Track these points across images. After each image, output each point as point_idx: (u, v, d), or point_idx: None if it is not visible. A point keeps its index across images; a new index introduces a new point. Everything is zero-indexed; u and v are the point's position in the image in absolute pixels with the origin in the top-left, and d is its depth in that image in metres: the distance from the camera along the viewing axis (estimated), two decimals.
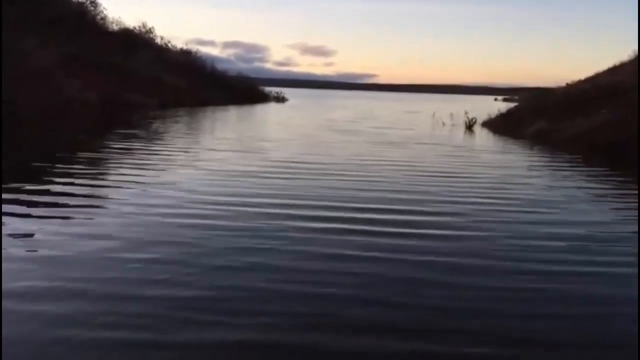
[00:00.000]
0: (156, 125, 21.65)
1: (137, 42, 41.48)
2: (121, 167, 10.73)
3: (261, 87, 62.05)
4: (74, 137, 16.86)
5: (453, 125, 28.48)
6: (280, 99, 62.61)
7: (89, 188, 8.47)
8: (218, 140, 16.94)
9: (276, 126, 25.01)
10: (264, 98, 59.47)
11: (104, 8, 41.64)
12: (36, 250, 5.35)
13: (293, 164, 11.90)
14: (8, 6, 29.83)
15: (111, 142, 14.63)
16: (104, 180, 9.48)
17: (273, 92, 63.40)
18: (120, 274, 4.81)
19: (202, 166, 11.17)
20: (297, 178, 10.14)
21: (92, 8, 39.17)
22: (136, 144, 14.46)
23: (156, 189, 8.61)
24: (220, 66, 54.17)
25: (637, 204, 9.06)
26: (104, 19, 40.38)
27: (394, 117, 36.71)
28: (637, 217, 7.93)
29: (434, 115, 35.31)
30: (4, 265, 4.84)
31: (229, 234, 6.16)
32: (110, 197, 7.93)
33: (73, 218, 6.60)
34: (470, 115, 27.84)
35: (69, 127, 20.44)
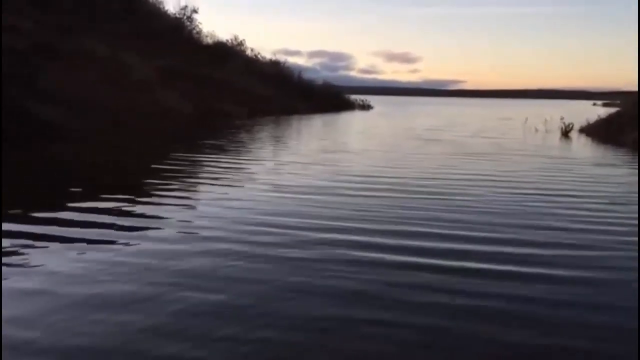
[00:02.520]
0: (241, 135, 21.58)
1: (229, 54, 42.34)
2: (195, 179, 10.47)
3: (346, 95, 61.62)
4: (165, 146, 17.01)
5: (547, 132, 26.31)
6: (365, 107, 61.83)
7: (162, 198, 8.01)
8: (296, 151, 16.15)
9: (358, 135, 23.95)
10: (349, 106, 58.97)
11: (199, 22, 42.77)
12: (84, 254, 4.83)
13: (369, 179, 10.76)
14: (112, 22, 31.32)
15: (193, 154, 14.42)
16: (172, 193, 8.85)
17: (358, 100, 62.78)
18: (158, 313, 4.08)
19: (272, 181, 10.23)
20: (371, 196, 8.96)
21: (188, 23, 40.44)
22: (216, 155, 14.14)
23: (216, 207, 7.83)
24: (306, 75, 54.37)
25: None
26: (199, 33, 41.56)
27: (482, 125, 34.25)
28: None
29: (526, 121, 33.00)
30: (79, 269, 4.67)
31: (287, 263, 5.36)
32: (166, 215, 7.21)
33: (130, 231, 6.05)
34: (567, 121, 25.56)
35: (164, 137, 20.88)
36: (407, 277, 5.06)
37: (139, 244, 5.94)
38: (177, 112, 30.14)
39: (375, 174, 11.42)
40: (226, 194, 8.95)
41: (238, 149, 16.13)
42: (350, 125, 32.52)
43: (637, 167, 13.88)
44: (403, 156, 15.11)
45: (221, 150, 15.53)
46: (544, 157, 15.80)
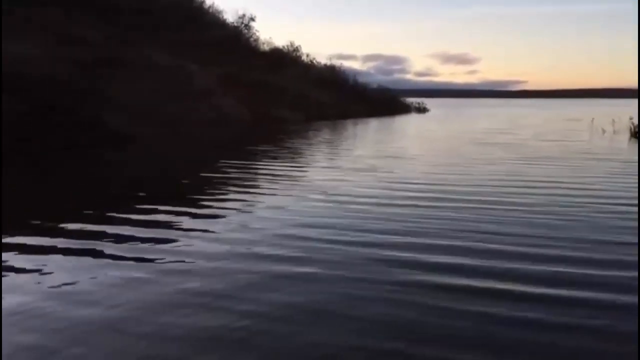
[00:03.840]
0: (296, 140, 21.61)
1: (285, 60, 42.84)
2: (247, 188, 10.25)
3: (402, 98, 61.07)
4: (222, 153, 17.16)
5: (615, 133, 24.99)
6: (422, 110, 61.02)
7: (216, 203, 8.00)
8: (348, 156, 15.73)
9: (413, 139, 23.28)
10: (405, 109, 58.38)
11: (256, 30, 43.65)
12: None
13: (423, 186, 10.19)
14: (174, 33, 32.33)
15: (247, 161, 14.53)
16: (221, 204, 8.73)
17: (414, 103, 62.08)
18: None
19: (322, 189, 9.87)
20: (425, 206, 8.33)
21: (245, 31, 41.23)
22: (269, 162, 14.11)
23: (263, 218, 7.51)
24: (361, 79, 54.32)
25: None
26: (256, 40, 42.32)
27: (545, 126, 32.65)
28: None
29: (592, 122, 31.51)
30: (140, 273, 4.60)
31: (327, 283, 4.94)
32: (211, 226, 7.03)
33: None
34: (635, 121, 24.10)
35: (221, 143, 21.28)
36: (458, 303, 4.53)
37: (181, 259, 5.73)
38: (235, 119, 30.75)
39: (429, 181, 10.87)
40: (275, 204, 8.61)
41: (292, 155, 16.07)
42: (405, 129, 31.97)
43: None
44: (460, 162, 14.36)
45: (275, 157, 15.50)
46: (614, 160, 14.76)
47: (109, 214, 7.75)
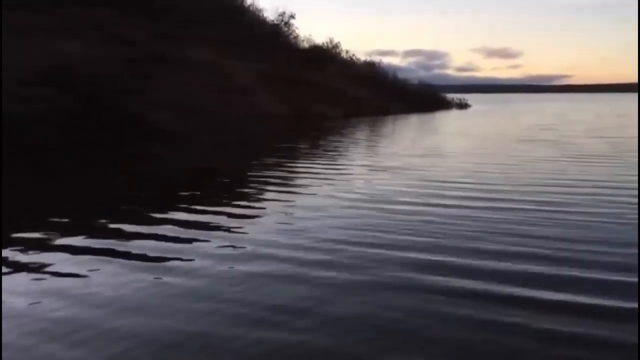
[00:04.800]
0: (334, 137, 21.57)
1: (324, 57, 42.90)
2: (282, 187, 10.16)
3: (442, 94, 60.26)
4: (260, 150, 17.31)
5: None
6: (463, 106, 60.04)
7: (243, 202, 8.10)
8: (386, 154, 15.47)
9: (452, 136, 22.69)
10: (446, 105, 57.58)
11: (296, 27, 43.85)
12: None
13: (461, 186, 9.66)
14: (216, 31, 32.86)
15: (285, 159, 14.57)
16: (251, 202, 8.78)
17: (455, 99, 61.15)
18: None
19: (358, 189, 9.63)
20: (461, 206, 7.82)
21: (285, 28, 41.48)
22: (306, 160, 14.05)
23: (296, 220, 7.30)
24: (400, 75, 53.93)
25: None
26: (295, 37, 42.53)
27: (595, 122, 31.18)
28: None
29: None
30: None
31: (360, 292, 4.65)
32: (242, 228, 6.84)
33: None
34: None
35: (261, 140, 21.53)
36: (504, 315, 4.20)
37: (209, 263, 5.55)
38: (275, 115, 31.04)
39: (468, 181, 10.34)
40: (309, 204, 8.39)
41: (328, 153, 15.94)
42: (446, 126, 31.45)
43: None
44: (501, 160, 13.75)
45: (311, 154, 15.43)
46: None
47: (145, 214, 7.80)
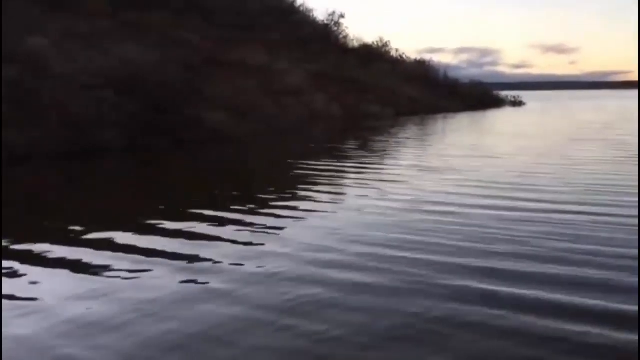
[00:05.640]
0: (384, 137, 21.53)
1: (374, 56, 42.84)
2: (326, 189, 10.20)
3: (495, 92, 58.86)
4: (309, 150, 17.47)
5: None
6: (517, 103, 58.47)
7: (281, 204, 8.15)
8: (434, 155, 15.21)
9: (503, 136, 21.89)
10: (499, 103, 56.21)
11: (345, 27, 44.05)
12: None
13: (508, 190, 9.15)
14: (267, 32, 33.45)
15: (334, 159, 14.57)
16: (298, 203, 8.78)
17: (509, 97, 59.61)
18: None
19: (402, 191, 9.32)
20: (516, 220, 7.16)
21: (335, 28, 41.70)
22: (356, 161, 13.95)
23: (338, 223, 7.13)
24: (452, 73, 53.20)
25: None
26: (345, 37, 42.67)
27: None
28: None
29: None
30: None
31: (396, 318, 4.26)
32: (283, 231, 6.87)
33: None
34: None
35: (311, 140, 21.75)
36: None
37: (251, 266, 5.70)
38: (326, 115, 31.32)
39: (519, 182, 9.94)
40: (351, 206, 8.31)
41: (376, 153, 15.86)
42: (498, 125, 30.66)
43: None
44: (555, 160, 13.13)
45: (360, 155, 15.32)
46: None
47: (191, 214, 7.94)
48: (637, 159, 13.12)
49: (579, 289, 4.79)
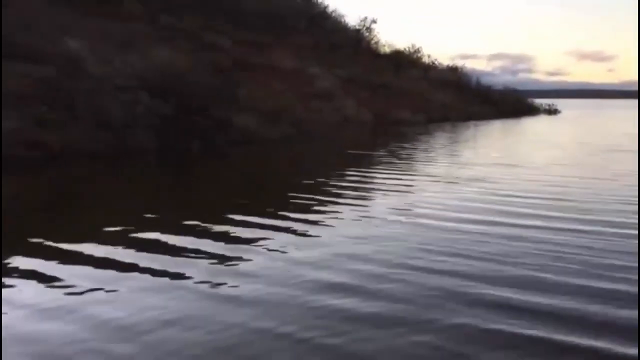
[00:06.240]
0: (414, 143, 21.19)
1: (406, 62, 42.55)
2: (352, 197, 10.03)
3: (530, 100, 57.79)
4: (337, 156, 17.43)
5: None
6: (552, 111, 57.23)
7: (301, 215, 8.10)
8: (457, 162, 14.86)
9: (535, 144, 21.27)
10: (533, 111, 55.15)
11: (377, 32, 43.91)
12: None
13: (534, 203, 8.76)
14: (298, 37, 33.57)
15: (362, 168, 14.37)
16: (310, 210, 8.69)
17: (544, 104, 58.43)
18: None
19: (429, 202, 8.97)
20: (529, 226, 7.07)
21: (367, 34, 41.59)
22: (383, 168, 13.67)
23: (359, 239, 6.65)
24: (485, 80, 52.46)
25: None
26: (377, 43, 42.52)
27: None
28: None
29: None
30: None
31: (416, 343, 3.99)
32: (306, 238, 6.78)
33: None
34: None
35: (339, 145, 21.66)
36: None
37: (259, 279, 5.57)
38: (356, 121, 31.21)
39: (542, 196, 9.43)
40: (371, 216, 8.05)
41: (403, 160, 15.50)
42: (531, 133, 29.99)
43: None
44: (589, 173, 12.61)
45: (387, 162, 15.00)
46: None
47: (221, 217, 7.92)
48: None
49: (612, 304, 4.60)
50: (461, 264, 5.71)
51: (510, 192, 9.92)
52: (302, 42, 33.37)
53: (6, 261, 5.71)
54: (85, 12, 21.77)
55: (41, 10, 18.13)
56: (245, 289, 5.02)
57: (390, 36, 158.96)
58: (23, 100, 13.68)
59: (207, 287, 5.04)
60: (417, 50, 46.95)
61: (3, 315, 4.37)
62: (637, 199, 9.29)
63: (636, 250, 6.22)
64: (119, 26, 22.19)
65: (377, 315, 4.45)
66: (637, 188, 10.41)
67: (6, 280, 5.16)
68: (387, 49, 43.27)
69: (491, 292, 4.95)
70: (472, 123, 36.70)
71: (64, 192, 10.42)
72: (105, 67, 17.13)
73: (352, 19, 62.92)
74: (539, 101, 59.56)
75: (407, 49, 45.96)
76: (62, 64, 15.49)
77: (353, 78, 34.63)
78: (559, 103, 63.16)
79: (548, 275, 5.38)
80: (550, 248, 6.30)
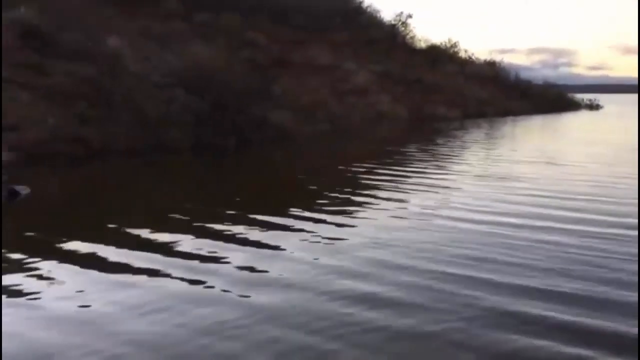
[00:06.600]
0: (449, 140, 20.84)
1: (442, 57, 41.88)
2: (381, 196, 9.81)
3: (570, 95, 56.12)
4: (371, 153, 17.24)
5: None
6: (593, 107, 55.45)
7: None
8: (493, 159, 14.56)
9: (574, 141, 20.66)
10: (573, 106, 53.54)
11: (413, 27, 43.32)
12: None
13: (574, 205, 8.37)
14: (334, 33, 33.46)
15: (393, 166, 14.09)
16: (338, 208, 8.58)
17: (585, 100, 56.67)
18: None
19: (447, 198, 8.97)
20: (573, 232, 6.70)
21: (402, 29, 41.10)
22: (415, 166, 13.35)
23: (385, 241, 6.46)
24: (524, 74, 51.12)
25: None
26: (412, 38, 41.97)
27: None
28: None
29: None
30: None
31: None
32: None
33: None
34: None
35: (374, 141, 21.55)
36: None
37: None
38: (392, 116, 30.97)
39: (594, 197, 8.99)
40: (400, 215, 7.91)
41: (437, 157, 15.23)
42: (571, 129, 29.11)
43: None
44: (625, 172, 11.92)
45: (420, 159, 14.80)
46: None
47: (253, 217, 7.87)
48: None
49: None
50: (495, 271, 5.44)
51: (547, 192, 9.58)
52: (337, 38, 33.24)
53: (43, 254, 5.90)
54: (126, 11, 22.24)
55: (85, 10, 18.62)
56: (273, 294, 4.94)
57: (427, 31, 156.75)
58: (66, 98, 14.11)
59: (233, 293, 4.96)
60: (454, 45, 46.13)
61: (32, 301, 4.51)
62: None
63: None
64: (157, 24, 22.60)
65: (410, 328, 4.24)
66: None
67: (41, 271, 5.34)
68: (423, 44, 42.68)
69: (536, 307, 4.56)
70: (510, 119, 35.90)
71: (100, 187, 10.69)
72: (143, 64, 17.47)
73: (387, 14, 62.34)
74: (580, 96, 57.78)
75: (443, 44, 45.24)
76: (103, 62, 15.87)
77: (388, 73, 34.32)
78: (601, 98, 61.13)
79: (599, 289, 4.98)
80: (590, 254, 5.98)
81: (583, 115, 43.01)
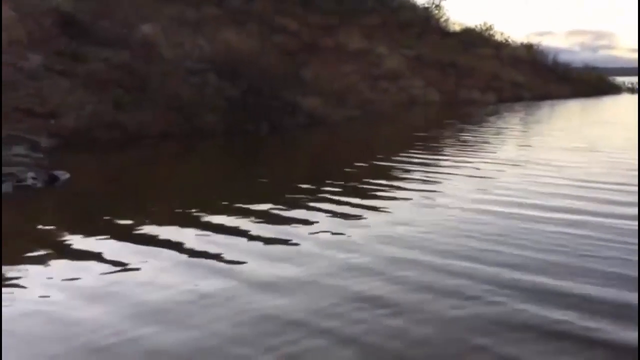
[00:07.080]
0: (477, 124, 20.47)
1: (477, 40, 40.93)
2: (404, 183, 9.65)
3: (611, 78, 54.19)
4: (401, 139, 17.16)
5: None
6: (635, 90, 53.47)
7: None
8: (527, 145, 14.20)
9: (614, 125, 19.95)
10: (614, 89, 51.73)
11: (447, 10, 42.39)
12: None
13: (614, 188, 8.26)
14: (366, 17, 33.07)
15: (422, 151, 13.92)
16: (365, 195, 8.50)
17: (626, 83, 54.64)
18: None
19: (478, 186, 8.72)
20: (615, 215, 6.65)
21: (436, 12, 40.31)
22: (446, 152, 13.20)
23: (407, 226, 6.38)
24: (562, 57, 49.55)
25: None
26: (446, 21, 41.13)
27: None
28: None
29: None
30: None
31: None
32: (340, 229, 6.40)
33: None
34: None
35: (405, 127, 21.33)
36: None
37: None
38: (425, 101, 30.57)
39: (620, 188, 8.51)
40: (428, 203, 7.71)
41: (469, 143, 14.87)
42: (609, 113, 28.09)
43: None
44: None
45: (455, 145, 14.47)
46: None
47: (285, 199, 7.97)
48: None
49: None
50: (535, 263, 5.27)
51: (583, 178, 9.31)
52: (369, 22, 32.84)
53: (76, 239, 6.06)
54: None
55: None
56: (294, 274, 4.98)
57: (461, 14, 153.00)
58: (102, 84, 14.37)
59: (260, 272, 5.04)
60: (489, 28, 45.00)
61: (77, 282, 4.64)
62: None
63: None
64: (191, 10, 22.75)
65: (438, 316, 4.19)
66: None
67: (71, 257, 5.49)
68: (457, 27, 41.78)
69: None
70: (547, 103, 34.93)
71: (139, 171, 10.90)
72: (176, 50, 17.64)
73: None
74: (620, 79, 55.73)
75: (478, 27, 44.20)
76: (138, 48, 16.09)
77: (421, 57, 33.78)
78: None
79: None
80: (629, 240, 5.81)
81: (624, 99, 41.51)
